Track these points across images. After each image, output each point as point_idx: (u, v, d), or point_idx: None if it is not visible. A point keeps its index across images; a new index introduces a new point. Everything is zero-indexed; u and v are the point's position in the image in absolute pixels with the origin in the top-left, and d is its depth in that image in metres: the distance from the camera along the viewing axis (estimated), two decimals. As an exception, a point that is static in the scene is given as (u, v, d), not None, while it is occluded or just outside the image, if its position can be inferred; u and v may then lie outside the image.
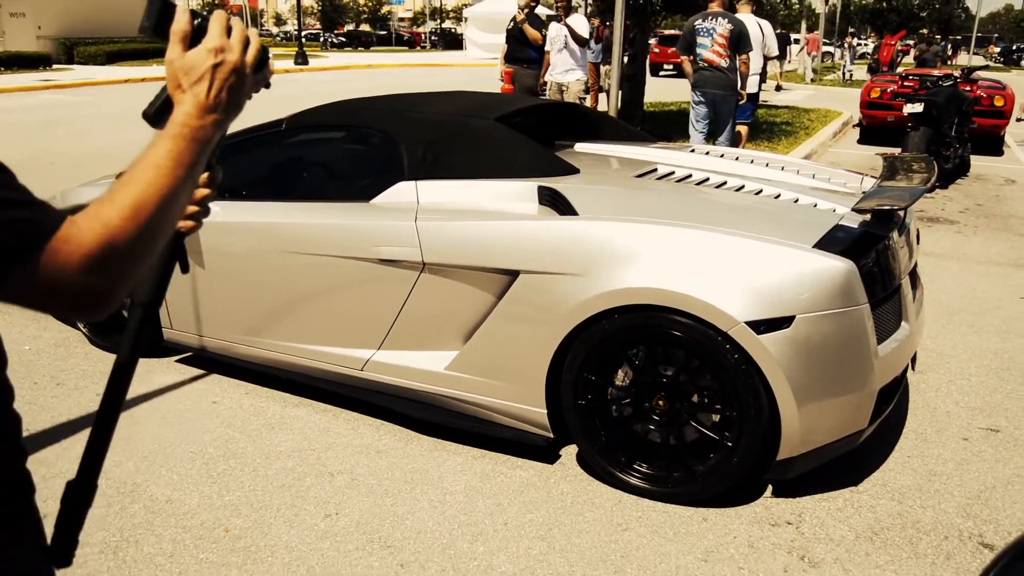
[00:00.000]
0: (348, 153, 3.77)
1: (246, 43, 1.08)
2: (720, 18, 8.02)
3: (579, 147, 4.07)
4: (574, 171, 3.38)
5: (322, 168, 3.85)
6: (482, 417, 3.25)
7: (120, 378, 1.23)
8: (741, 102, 8.49)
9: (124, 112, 14.67)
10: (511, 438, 3.21)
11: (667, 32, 27.09)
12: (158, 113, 1.07)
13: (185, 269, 1.39)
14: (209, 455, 3.27)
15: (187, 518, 2.86)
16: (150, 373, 3.97)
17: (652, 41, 35.77)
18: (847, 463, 3.16)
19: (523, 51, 9.82)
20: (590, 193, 3.20)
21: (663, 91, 18.67)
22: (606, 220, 2.92)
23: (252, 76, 1.09)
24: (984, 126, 11.82)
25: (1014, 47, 51.91)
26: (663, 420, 2.96)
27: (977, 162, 11.30)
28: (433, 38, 47.33)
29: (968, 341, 4.77)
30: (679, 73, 9.29)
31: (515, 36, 9.73)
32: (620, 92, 9.79)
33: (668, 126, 12.31)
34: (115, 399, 1.23)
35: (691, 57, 8.19)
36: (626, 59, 11.30)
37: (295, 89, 19.20)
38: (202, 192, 1.29)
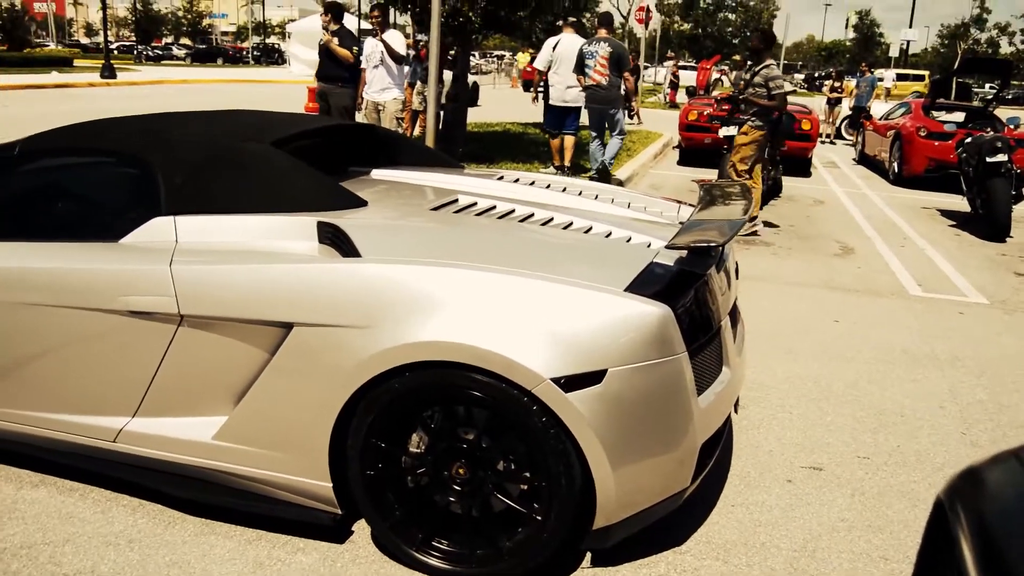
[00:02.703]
0: (94, 183, 3.19)
1: None
2: (603, 43, 9.28)
3: (376, 174, 3.65)
4: (361, 204, 2.96)
5: (63, 201, 3.23)
6: (259, 493, 2.76)
7: None
8: (634, 115, 10.56)
9: None
10: (292, 517, 2.73)
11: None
12: None
13: None
14: (-96, 563, 2.61)
15: None
16: None
17: (526, 59, 35.91)
18: (668, 518, 2.87)
19: (335, 69, 9.25)
20: (377, 230, 2.79)
21: (493, 112, 18.58)
22: (392, 263, 2.51)
23: None
24: (793, 148, 12.32)
25: (816, 74, 55.89)
26: (464, 491, 2.57)
27: (788, 183, 11.74)
28: (256, 53, 45.51)
29: (787, 368, 4.69)
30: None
31: (326, 53, 9.19)
32: (442, 113, 9.54)
33: (492, 147, 12.12)
34: None
35: (581, 76, 9.47)
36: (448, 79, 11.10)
37: (96, 104, 17.80)
38: None
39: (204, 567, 2.63)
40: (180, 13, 72.79)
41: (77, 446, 2.94)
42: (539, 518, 2.47)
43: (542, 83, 10.61)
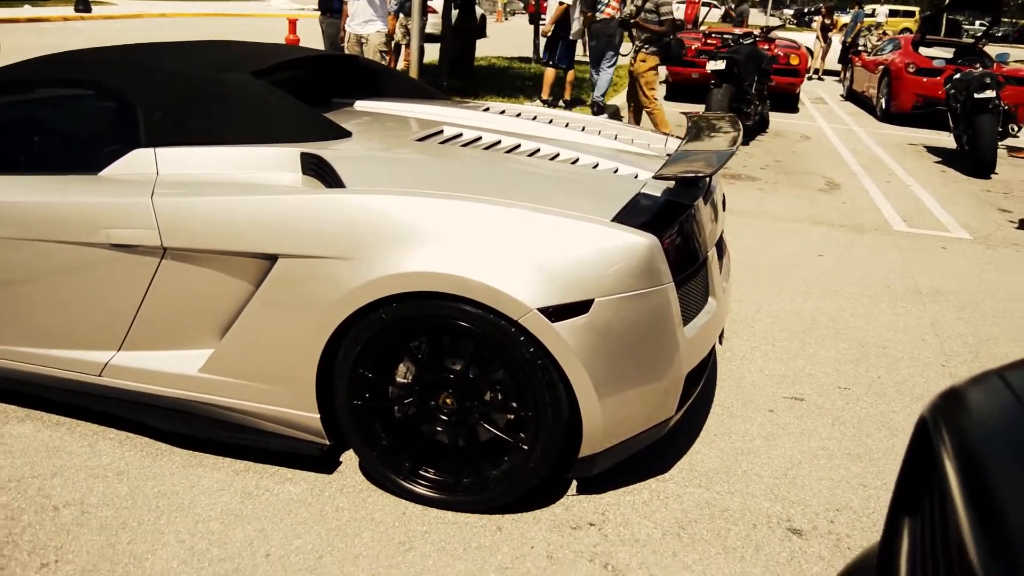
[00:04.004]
0: (72, 115, 3.12)
1: None
2: None
3: (359, 105, 3.59)
4: (345, 134, 2.92)
5: (40, 134, 3.16)
6: (246, 425, 2.77)
7: None
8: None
9: None
10: (280, 449, 2.75)
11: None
12: None
13: None
14: None
15: None
16: None
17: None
18: (652, 447, 2.91)
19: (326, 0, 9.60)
20: (362, 161, 2.75)
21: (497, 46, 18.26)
22: (379, 193, 2.49)
23: None
24: (781, 84, 12.23)
25: (805, 9, 55.14)
26: (451, 420, 2.59)
27: (775, 119, 11.68)
28: None
29: (771, 301, 4.72)
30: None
31: None
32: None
33: (477, 81, 11.94)
34: None
35: (590, 13, 9.59)
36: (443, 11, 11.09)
37: (73, 39, 17.35)
38: None
39: (192, 498, 2.65)
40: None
41: (63, 381, 2.93)
42: (525, 447, 2.49)
43: (543, 16, 10.63)
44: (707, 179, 2.90)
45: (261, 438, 2.76)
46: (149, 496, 2.65)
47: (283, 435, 2.74)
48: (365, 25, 8.52)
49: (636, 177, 2.89)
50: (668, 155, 3.26)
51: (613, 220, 2.47)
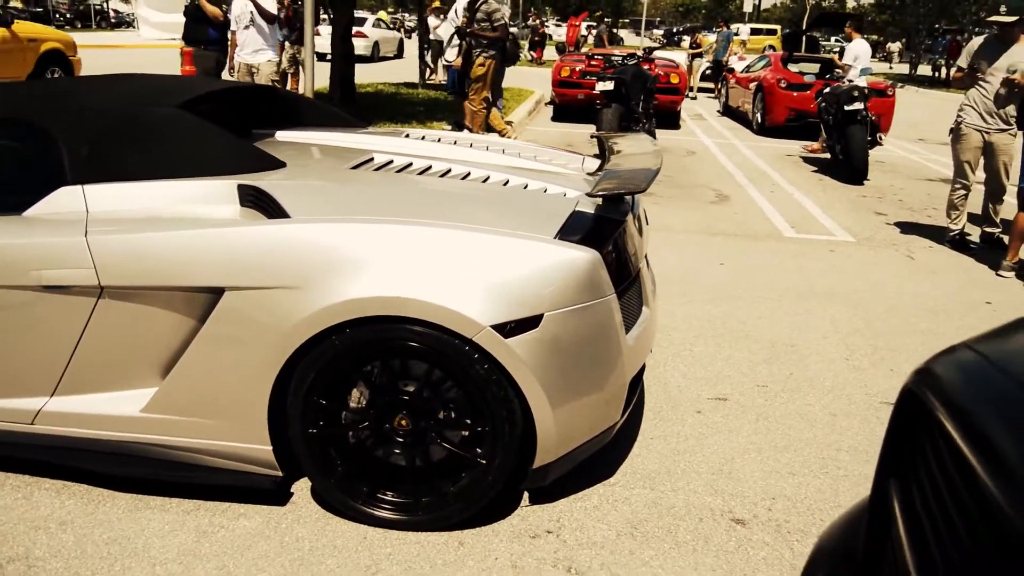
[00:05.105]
0: (-12, 154, 3.02)
1: None
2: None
3: (281, 136, 3.60)
4: (280, 165, 2.93)
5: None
6: (194, 463, 2.73)
7: None
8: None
9: None
10: (231, 484, 2.72)
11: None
12: None
13: None
14: None
15: None
16: None
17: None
18: (596, 453, 3.01)
19: (200, 30, 9.04)
20: (301, 190, 2.77)
21: (361, 73, 18.22)
22: (323, 221, 2.52)
23: None
24: (663, 102, 12.70)
25: (675, 30, 57.38)
26: (408, 441, 2.63)
27: (660, 135, 12.11)
28: (69, 15, 41.05)
29: (683, 310, 4.93)
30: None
31: (192, 13, 8.93)
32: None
33: (365, 109, 11.94)
34: None
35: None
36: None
37: (-69, 77, 16.43)
38: None
39: (145, 541, 2.59)
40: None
41: (-10, 431, 2.82)
42: (483, 462, 2.55)
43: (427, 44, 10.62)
44: (633, 195, 3.04)
45: (211, 475, 2.72)
46: (98, 544, 2.57)
47: (234, 470, 2.71)
48: (256, 54, 8.44)
49: (565, 195, 3.01)
50: (589, 174, 3.41)
51: (556, 237, 2.57)
